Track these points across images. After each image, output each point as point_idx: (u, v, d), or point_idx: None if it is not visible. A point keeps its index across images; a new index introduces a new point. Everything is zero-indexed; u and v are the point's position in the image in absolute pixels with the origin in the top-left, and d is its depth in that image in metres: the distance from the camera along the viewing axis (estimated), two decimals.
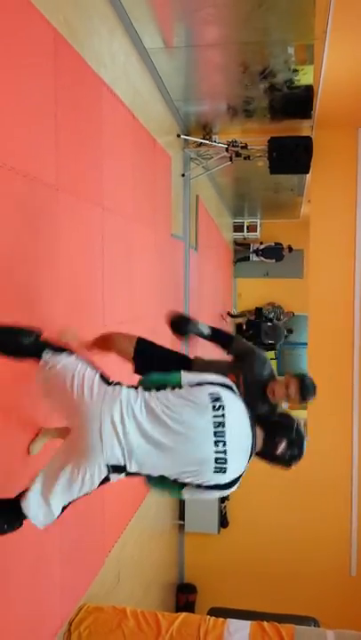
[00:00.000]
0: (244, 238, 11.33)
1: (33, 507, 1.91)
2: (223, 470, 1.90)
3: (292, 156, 5.61)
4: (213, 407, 1.91)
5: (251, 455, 2.00)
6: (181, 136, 6.00)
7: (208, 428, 1.88)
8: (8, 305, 2.35)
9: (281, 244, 10.63)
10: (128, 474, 1.96)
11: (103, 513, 3.59)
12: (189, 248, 6.53)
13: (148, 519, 4.90)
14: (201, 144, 6.17)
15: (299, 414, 8.04)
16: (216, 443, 1.87)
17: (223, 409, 1.91)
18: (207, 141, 6.10)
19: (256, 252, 10.90)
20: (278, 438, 2.04)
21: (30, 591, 2.60)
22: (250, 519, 6.38)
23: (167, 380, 2.04)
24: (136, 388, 1.98)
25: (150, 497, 4.86)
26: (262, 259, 10.82)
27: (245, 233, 10.97)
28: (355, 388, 6.15)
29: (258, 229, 11.09)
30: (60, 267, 2.85)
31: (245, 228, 10.81)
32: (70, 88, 2.95)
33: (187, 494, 2.03)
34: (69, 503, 1.98)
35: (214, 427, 1.88)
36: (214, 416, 1.90)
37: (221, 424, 1.89)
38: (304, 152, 5.58)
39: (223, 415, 1.90)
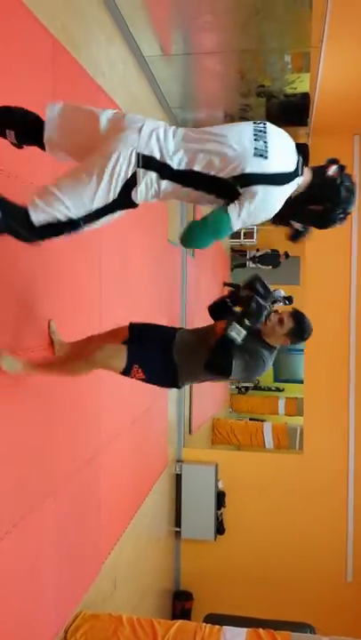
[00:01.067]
0: (241, 245, 11.34)
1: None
2: (264, 156, 1.81)
3: None
4: (254, 122, 1.90)
5: (298, 161, 1.95)
6: None
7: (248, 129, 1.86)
8: (2, 309, 2.35)
9: (277, 251, 10.65)
10: (165, 176, 1.79)
11: (100, 520, 3.58)
12: (186, 254, 6.55)
13: (145, 526, 4.89)
14: None
15: (295, 421, 8.07)
16: (256, 138, 1.83)
17: (265, 127, 1.90)
18: None
19: (253, 258, 10.91)
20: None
21: (26, 598, 2.59)
22: (246, 526, 6.37)
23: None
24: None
25: (147, 504, 4.86)
26: (259, 265, 10.83)
27: (242, 239, 10.98)
28: (351, 395, 6.16)
29: (255, 236, 11.11)
30: (56, 272, 2.85)
31: (242, 234, 10.82)
32: (68, 95, 2.96)
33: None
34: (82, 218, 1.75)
35: (254, 130, 1.86)
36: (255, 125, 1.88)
37: (262, 130, 1.87)
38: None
39: (265, 130, 1.88)
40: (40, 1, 2.64)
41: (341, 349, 6.18)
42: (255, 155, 1.80)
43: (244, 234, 10.86)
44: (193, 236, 1.96)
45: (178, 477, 6.18)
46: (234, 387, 11.20)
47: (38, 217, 1.72)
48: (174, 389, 3.27)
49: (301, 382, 6.89)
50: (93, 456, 3.43)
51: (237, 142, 1.81)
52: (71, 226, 1.77)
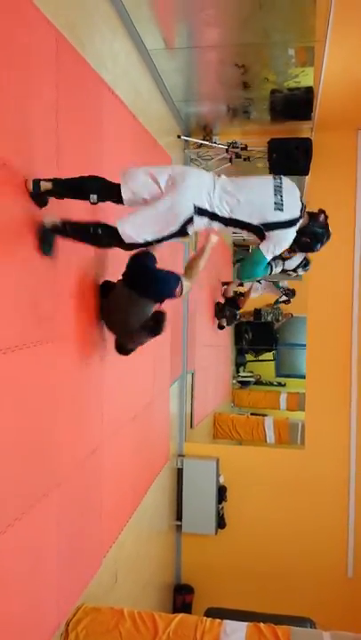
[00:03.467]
0: (244, 240, 11.30)
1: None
2: (281, 209, 2.64)
3: (291, 158, 5.62)
4: (274, 178, 2.72)
5: (302, 209, 2.72)
6: (182, 137, 6.01)
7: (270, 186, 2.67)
8: (2, 313, 2.35)
9: None
10: (213, 219, 2.61)
11: (101, 514, 3.59)
12: (189, 249, 6.53)
13: (146, 520, 4.90)
14: (201, 145, 6.18)
15: (297, 416, 8.07)
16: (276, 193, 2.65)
17: (281, 181, 2.71)
18: (207, 142, 6.11)
19: None
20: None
21: (28, 591, 2.60)
22: (247, 520, 6.39)
23: None
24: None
25: (148, 498, 4.87)
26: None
27: (245, 235, 10.96)
28: (353, 390, 6.16)
29: None
30: (58, 269, 2.85)
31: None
32: (71, 88, 2.96)
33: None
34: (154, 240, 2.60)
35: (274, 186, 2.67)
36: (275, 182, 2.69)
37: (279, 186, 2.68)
38: (304, 154, 5.59)
39: (281, 185, 2.69)
40: None
41: (343, 344, 6.18)
42: (275, 209, 2.63)
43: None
44: (246, 270, 2.95)
45: (179, 472, 6.19)
46: (236, 381, 11.20)
47: (127, 239, 2.59)
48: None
49: (303, 377, 6.88)
50: (95, 450, 3.44)
51: (259, 197, 2.64)
52: (145, 245, 2.67)
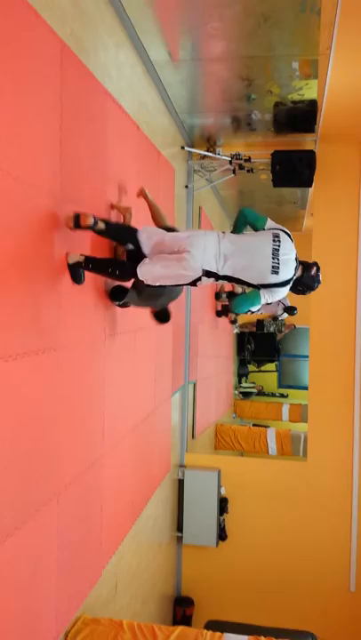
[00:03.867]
0: None
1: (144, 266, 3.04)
2: (277, 272, 3.01)
3: (295, 170, 5.65)
4: (273, 239, 3.05)
5: (296, 267, 3.10)
6: (185, 148, 6.04)
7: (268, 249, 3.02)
8: (3, 321, 2.36)
9: None
10: (219, 278, 3.03)
11: (101, 524, 3.57)
12: None
13: (147, 531, 4.88)
14: (205, 156, 6.21)
15: (299, 427, 8.04)
16: (273, 256, 3.01)
17: (279, 242, 3.05)
18: (211, 154, 6.14)
19: None
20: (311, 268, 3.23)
21: (27, 602, 2.59)
22: (249, 533, 6.35)
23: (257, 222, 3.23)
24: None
25: (149, 509, 4.85)
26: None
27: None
28: (356, 401, 6.14)
29: None
30: (62, 277, 2.86)
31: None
32: (76, 99, 2.98)
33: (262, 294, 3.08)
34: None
35: (273, 249, 3.01)
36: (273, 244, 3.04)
37: (276, 249, 3.02)
38: (307, 166, 5.62)
39: (279, 247, 3.03)
40: (50, 6, 2.67)
41: (346, 355, 6.17)
42: (272, 273, 3.00)
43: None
44: (239, 305, 3.22)
45: (180, 482, 6.17)
46: (238, 392, 11.18)
47: (146, 281, 3.09)
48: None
49: (306, 388, 6.86)
50: (96, 460, 3.43)
51: (260, 263, 3.02)
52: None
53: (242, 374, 11.54)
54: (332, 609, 5.95)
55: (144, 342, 4.45)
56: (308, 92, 4.89)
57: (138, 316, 4.12)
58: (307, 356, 6.74)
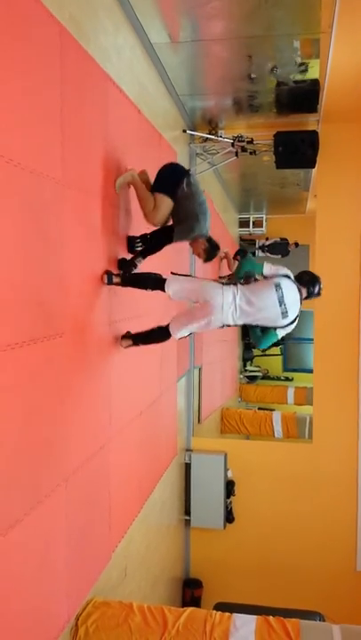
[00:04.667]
0: (250, 234, 11.29)
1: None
2: (286, 315, 3.42)
3: (298, 151, 5.60)
4: (276, 289, 3.40)
5: (300, 298, 3.49)
6: (187, 131, 5.99)
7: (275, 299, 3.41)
8: (10, 309, 2.35)
9: (287, 240, 10.59)
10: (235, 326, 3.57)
11: (110, 509, 3.60)
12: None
13: (155, 514, 4.91)
14: (207, 139, 6.16)
15: (305, 410, 8.05)
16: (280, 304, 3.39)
17: (281, 289, 3.40)
18: (213, 136, 6.09)
19: (262, 247, 10.86)
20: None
21: (37, 586, 2.61)
22: (255, 514, 6.40)
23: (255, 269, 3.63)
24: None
25: (156, 493, 4.88)
26: (268, 254, 10.78)
27: (251, 228, 10.93)
28: (360, 384, 6.15)
29: (264, 225, 11.05)
30: (65, 264, 2.85)
31: (251, 223, 10.76)
32: (76, 83, 2.95)
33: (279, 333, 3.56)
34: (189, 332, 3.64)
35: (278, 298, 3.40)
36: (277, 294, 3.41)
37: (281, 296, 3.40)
38: (310, 146, 5.57)
39: (282, 294, 3.39)
40: None
41: (351, 338, 6.16)
42: (282, 317, 3.42)
43: (254, 222, 10.80)
44: (262, 342, 3.64)
45: (187, 466, 6.20)
46: (243, 376, 11.20)
47: (175, 336, 3.61)
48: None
49: (311, 371, 6.87)
50: (103, 445, 3.44)
51: (271, 312, 3.41)
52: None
53: (247, 358, 11.55)
54: (338, 589, 6.00)
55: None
56: (311, 71, 4.83)
57: (143, 301, 4.12)
58: (311, 340, 6.74)
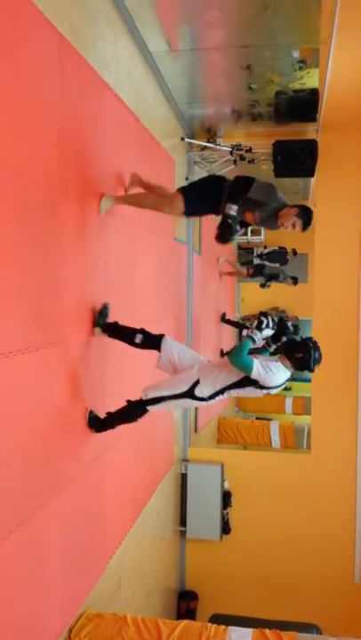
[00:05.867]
0: (248, 242, 11.29)
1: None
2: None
3: (297, 160, 5.60)
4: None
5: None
6: (185, 139, 5.99)
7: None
8: (7, 317, 2.33)
9: (285, 249, 10.59)
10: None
11: (104, 519, 3.56)
12: (193, 252, 6.52)
13: (150, 525, 4.87)
14: (205, 147, 6.16)
15: (303, 420, 8.02)
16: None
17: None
18: (211, 145, 6.09)
19: (260, 256, 10.85)
20: (303, 368, 3.50)
21: (30, 597, 2.58)
22: (252, 526, 6.34)
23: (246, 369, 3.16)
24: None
25: (152, 503, 4.84)
26: (266, 263, 10.77)
27: (249, 237, 10.94)
28: (359, 394, 6.11)
29: (262, 233, 11.06)
30: (63, 271, 2.83)
31: (250, 232, 10.76)
32: (74, 91, 2.94)
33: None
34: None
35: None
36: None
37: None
38: (309, 156, 5.57)
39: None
40: None
41: (349, 347, 6.13)
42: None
43: (252, 231, 10.81)
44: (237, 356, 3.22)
45: (183, 477, 6.16)
46: None
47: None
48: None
49: (309, 381, 6.84)
50: (98, 455, 3.41)
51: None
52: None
53: None
54: (336, 601, 5.94)
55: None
56: (310, 80, 4.84)
57: (137, 310, 4.10)
58: None
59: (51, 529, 2.77)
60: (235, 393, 3.30)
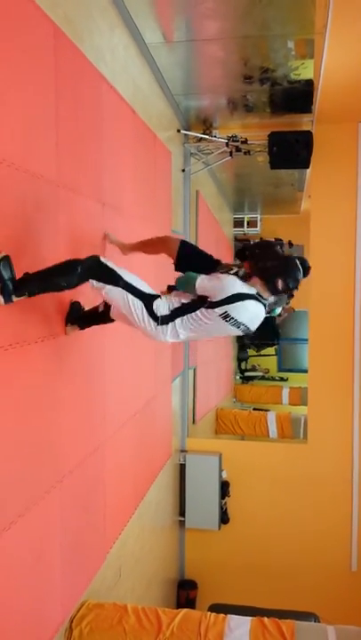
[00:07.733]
0: (245, 234, 11.30)
1: None
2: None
3: (292, 151, 5.59)
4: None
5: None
6: (181, 131, 5.98)
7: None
8: (5, 311, 2.34)
9: (281, 240, 10.60)
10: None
11: (104, 510, 3.59)
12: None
13: (149, 516, 4.90)
14: (201, 139, 6.15)
15: (299, 410, 8.06)
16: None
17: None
18: (207, 136, 6.08)
19: None
20: (275, 280, 2.86)
21: (31, 588, 2.60)
22: (250, 515, 6.39)
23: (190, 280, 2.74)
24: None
25: (151, 494, 4.87)
26: None
27: (246, 228, 10.94)
28: (355, 384, 6.15)
29: (258, 225, 11.07)
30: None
31: (246, 223, 10.77)
32: (70, 83, 2.93)
33: None
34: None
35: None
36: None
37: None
38: (304, 147, 5.57)
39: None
40: None
41: (346, 338, 6.16)
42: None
43: (248, 222, 10.81)
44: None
45: (182, 467, 6.19)
46: (238, 377, 11.20)
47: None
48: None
49: (305, 372, 6.88)
50: (98, 446, 3.43)
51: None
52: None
53: (242, 359, 11.55)
54: (334, 589, 6.00)
55: None
56: (305, 71, 4.83)
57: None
58: (306, 340, 6.74)
59: (51, 520, 2.79)
60: (191, 325, 2.73)
